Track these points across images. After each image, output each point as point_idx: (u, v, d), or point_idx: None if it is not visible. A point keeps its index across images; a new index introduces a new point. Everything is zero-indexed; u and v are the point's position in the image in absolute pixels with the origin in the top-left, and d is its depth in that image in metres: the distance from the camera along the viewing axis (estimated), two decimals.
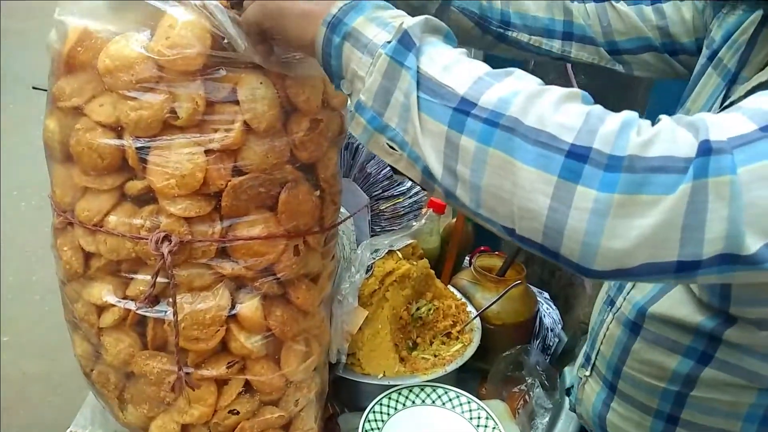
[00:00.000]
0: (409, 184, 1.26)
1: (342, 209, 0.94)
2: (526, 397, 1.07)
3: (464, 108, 0.48)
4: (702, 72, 0.83)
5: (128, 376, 0.82)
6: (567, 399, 1.03)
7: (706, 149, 0.43)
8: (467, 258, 1.43)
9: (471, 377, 1.14)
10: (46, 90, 0.77)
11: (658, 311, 0.74)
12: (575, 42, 0.98)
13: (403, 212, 1.24)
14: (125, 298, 0.76)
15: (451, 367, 1.05)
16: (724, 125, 0.45)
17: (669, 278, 0.46)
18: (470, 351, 1.09)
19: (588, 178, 0.44)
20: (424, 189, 0.77)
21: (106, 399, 0.88)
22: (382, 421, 0.97)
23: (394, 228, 1.23)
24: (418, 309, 1.13)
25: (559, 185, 0.44)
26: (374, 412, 0.97)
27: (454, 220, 1.37)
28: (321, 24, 0.57)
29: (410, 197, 1.24)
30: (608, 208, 0.43)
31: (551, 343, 1.26)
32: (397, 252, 1.12)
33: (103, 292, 0.77)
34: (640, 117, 0.47)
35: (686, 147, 0.43)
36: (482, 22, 0.96)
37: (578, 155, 0.44)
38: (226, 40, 0.67)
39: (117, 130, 0.70)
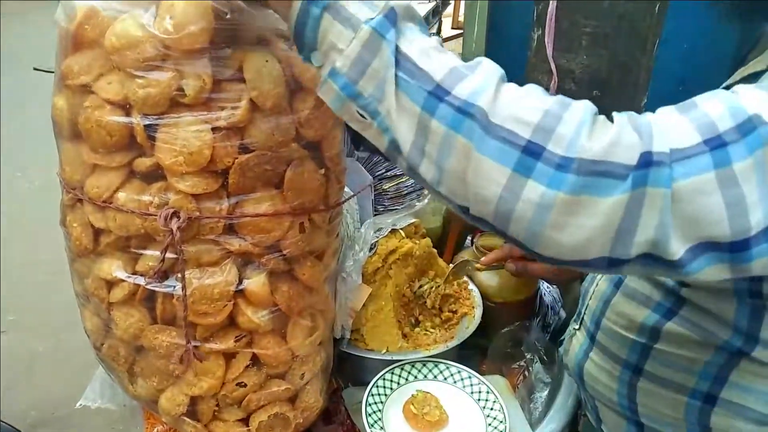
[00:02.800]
0: None
1: (346, 188, 0.96)
2: (526, 372, 1.09)
3: (439, 94, 0.52)
4: None
5: (138, 349, 0.84)
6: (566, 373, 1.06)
7: (646, 161, 0.47)
8: (469, 237, 1.44)
9: (472, 353, 1.16)
10: (47, 71, 0.78)
11: (631, 283, 0.79)
12: None
13: (406, 192, 1.25)
14: (135, 273, 0.78)
15: (452, 344, 1.07)
16: (670, 134, 0.49)
17: (600, 271, 0.50)
18: (471, 328, 1.11)
19: (539, 174, 0.49)
20: (385, 158, 0.79)
21: (116, 372, 0.90)
22: (385, 395, 0.99)
23: (397, 207, 1.24)
24: (420, 287, 1.14)
25: (512, 177, 0.49)
26: (377, 386, 0.99)
27: None
28: None
29: None
30: (553, 204, 0.48)
31: (551, 321, 1.27)
32: (400, 231, 1.13)
33: (113, 268, 0.78)
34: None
35: (630, 154, 0.48)
36: None
37: (533, 152, 0.49)
38: (228, 15, 0.68)
39: (125, 107, 0.71)
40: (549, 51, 1.48)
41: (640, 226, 0.48)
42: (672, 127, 0.50)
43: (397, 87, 0.53)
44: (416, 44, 0.54)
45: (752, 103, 0.50)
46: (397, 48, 0.53)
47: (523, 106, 0.50)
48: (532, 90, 0.53)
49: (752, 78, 0.67)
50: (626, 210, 0.47)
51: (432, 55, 0.54)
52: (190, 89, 0.69)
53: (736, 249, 0.49)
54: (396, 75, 0.53)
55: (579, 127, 0.49)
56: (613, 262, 0.50)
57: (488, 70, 0.53)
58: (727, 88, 0.70)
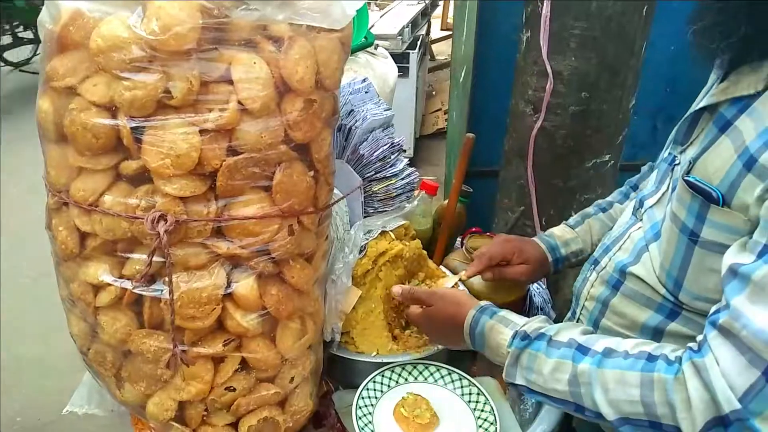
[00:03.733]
0: (401, 165, 1.26)
1: (335, 190, 0.95)
2: None
3: (578, 410, 0.74)
4: None
5: (125, 354, 0.83)
6: None
7: (727, 421, 0.61)
8: (459, 239, 1.44)
9: (462, 355, 1.15)
10: (33, 73, 0.77)
11: (636, 272, 0.84)
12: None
13: (395, 193, 1.25)
14: (121, 277, 0.77)
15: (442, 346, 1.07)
16: (732, 375, 0.61)
17: None
18: None
19: None
20: None
21: (103, 378, 0.89)
22: (376, 398, 0.98)
23: (387, 209, 1.24)
24: None
25: None
26: (368, 389, 0.99)
27: (446, 201, 1.38)
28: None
29: (402, 179, 1.25)
30: None
31: None
32: (390, 233, 1.13)
33: (99, 272, 0.77)
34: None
35: (713, 409, 0.62)
36: None
37: (657, 427, 0.67)
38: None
39: (111, 110, 0.71)
40: (544, 51, 1.49)
41: None
42: (731, 366, 0.61)
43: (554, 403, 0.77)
44: (539, 382, 0.76)
45: None
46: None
47: (628, 401, 0.69)
48: (623, 379, 0.70)
49: (738, 102, 0.71)
50: None
51: (553, 387, 0.75)
52: (177, 91, 0.69)
53: None
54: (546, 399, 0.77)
55: (672, 406, 0.65)
56: None
57: (585, 381, 0.72)
58: (708, 107, 0.75)
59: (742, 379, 0.60)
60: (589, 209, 1.15)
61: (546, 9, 1.48)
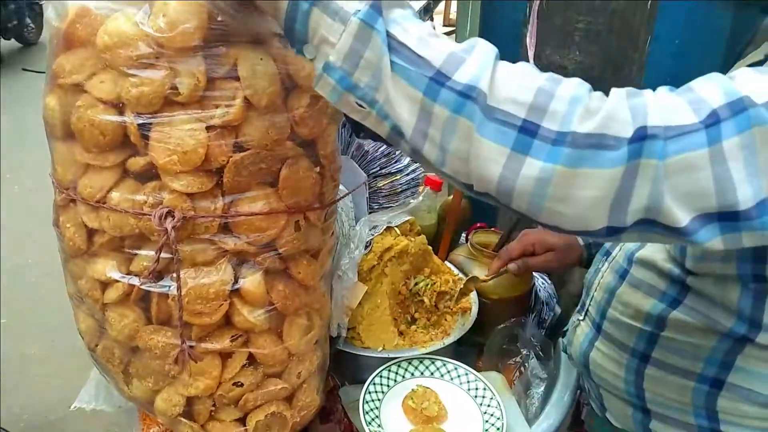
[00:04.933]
0: (406, 161, 1.26)
1: (341, 186, 0.95)
2: (522, 368, 1.10)
3: (440, 79, 0.53)
4: None
5: (133, 350, 0.83)
6: (563, 358, 1.08)
7: (641, 135, 0.49)
8: (464, 234, 1.44)
9: (468, 350, 1.16)
10: (37, 72, 0.77)
11: (642, 255, 0.83)
12: None
13: (400, 189, 1.25)
14: (129, 273, 0.77)
15: (448, 340, 1.07)
16: (666, 112, 0.50)
17: (601, 239, 0.55)
18: (468, 325, 1.11)
19: (536, 151, 0.51)
20: (388, 144, 0.82)
21: (111, 374, 0.89)
22: (382, 393, 0.99)
23: (392, 205, 1.24)
24: (416, 284, 1.14)
25: (511, 156, 0.52)
26: (374, 384, 0.99)
27: (451, 197, 1.38)
28: None
29: (407, 174, 1.25)
30: (552, 177, 0.51)
31: (546, 317, 1.28)
32: (395, 228, 1.13)
33: (107, 268, 0.78)
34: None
35: (625, 128, 0.50)
36: None
37: (529, 131, 0.51)
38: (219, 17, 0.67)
39: (118, 106, 0.71)
40: (530, 53, 1.49)
41: (634, 195, 0.50)
42: (668, 105, 0.51)
43: (396, 74, 0.54)
44: (412, 32, 0.55)
45: (745, 85, 0.51)
46: (389, 36, 0.55)
47: (517, 85, 0.52)
48: (525, 68, 0.54)
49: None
50: (621, 181, 0.50)
51: (429, 42, 0.55)
52: (184, 87, 0.69)
53: (724, 219, 0.51)
54: (392, 62, 0.54)
55: (572, 103, 0.51)
56: (611, 230, 0.52)
57: (484, 51, 0.55)
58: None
59: (674, 118, 0.50)
60: None
61: (534, 8, 1.48)
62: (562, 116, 0.51)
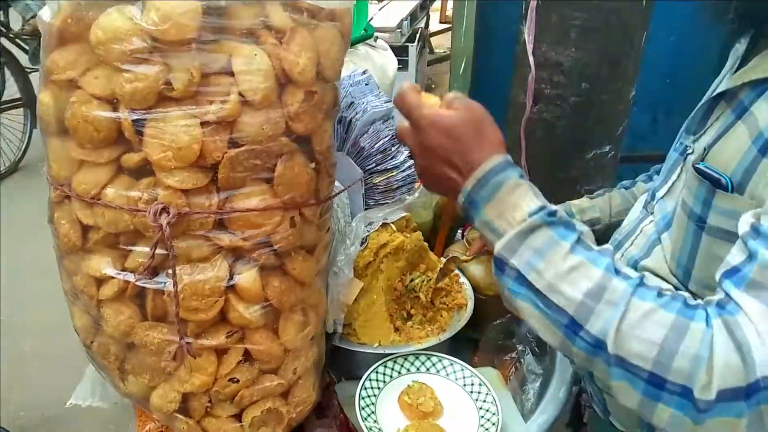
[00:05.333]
0: (402, 157, 1.26)
1: (336, 182, 0.95)
2: (517, 364, 1.10)
3: (574, 329, 0.62)
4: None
5: (129, 346, 0.83)
6: (558, 354, 1.07)
7: (756, 388, 0.55)
8: (459, 231, 1.45)
9: (464, 346, 1.16)
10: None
11: (648, 265, 0.83)
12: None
13: (396, 186, 1.25)
14: (124, 270, 0.77)
15: (444, 336, 1.08)
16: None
17: None
18: (463, 320, 1.12)
19: (666, 400, 0.58)
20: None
21: (106, 370, 0.89)
22: (378, 388, 0.99)
23: (388, 201, 1.24)
24: (412, 280, 1.15)
25: (643, 400, 0.60)
26: (370, 380, 0.99)
27: None
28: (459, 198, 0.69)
29: (403, 171, 1.25)
30: (683, 423, 0.58)
31: None
32: (391, 225, 1.14)
33: (102, 265, 0.78)
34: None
35: (738, 376, 0.55)
36: None
37: (655, 384, 0.58)
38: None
39: (112, 102, 0.71)
40: (529, 48, 1.49)
41: None
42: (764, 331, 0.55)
43: (540, 314, 0.64)
44: (545, 275, 0.62)
45: None
46: (525, 278, 0.64)
47: (642, 339, 0.58)
48: (651, 315, 0.59)
49: (758, 84, 0.68)
50: (748, 428, 0.56)
51: (560, 289, 0.62)
52: (179, 83, 0.68)
53: None
54: (534, 303, 0.64)
55: (696, 362, 0.56)
56: None
57: (611, 301, 0.60)
58: (727, 93, 0.72)
59: None
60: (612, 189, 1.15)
61: (532, 6, 1.48)
62: (686, 375, 0.56)
